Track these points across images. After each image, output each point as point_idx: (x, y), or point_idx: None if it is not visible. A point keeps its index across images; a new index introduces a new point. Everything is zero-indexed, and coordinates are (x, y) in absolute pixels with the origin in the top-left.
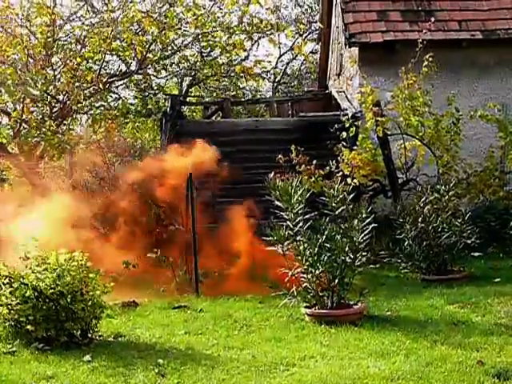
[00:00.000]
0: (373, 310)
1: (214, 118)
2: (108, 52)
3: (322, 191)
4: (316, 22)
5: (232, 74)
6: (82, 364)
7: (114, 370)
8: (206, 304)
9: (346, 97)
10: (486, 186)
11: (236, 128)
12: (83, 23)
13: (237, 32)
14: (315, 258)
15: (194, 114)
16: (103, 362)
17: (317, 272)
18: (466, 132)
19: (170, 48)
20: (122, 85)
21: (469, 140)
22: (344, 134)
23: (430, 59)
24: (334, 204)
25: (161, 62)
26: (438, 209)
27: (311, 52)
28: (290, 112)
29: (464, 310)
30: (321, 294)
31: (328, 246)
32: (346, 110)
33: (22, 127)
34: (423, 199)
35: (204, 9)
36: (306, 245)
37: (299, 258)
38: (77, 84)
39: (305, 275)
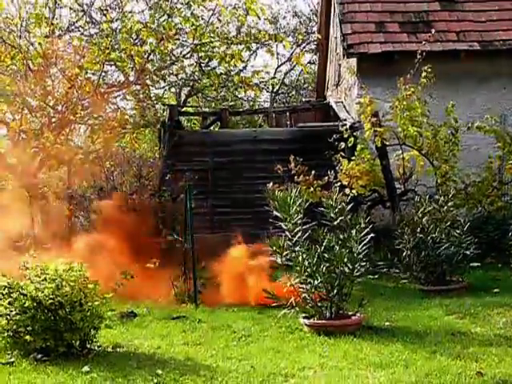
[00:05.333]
0: (371, 321)
1: (212, 128)
2: (106, 62)
3: (321, 201)
4: (314, 33)
5: (230, 85)
6: (80, 375)
7: (112, 380)
8: (205, 314)
9: (345, 107)
10: (485, 196)
11: (234, 138)
12: (82, 34)
13: (235, 42)
14: (314, 268)
15: (193, 124)
16: (102, 373)
17: (315, 282)
18: (464, 142)
19: (168, 58)
20: (120, 95)
21: (467, 150)
22: (342, 144)
23: (429, 70)
24: (332, 214)
25: (159, 73)
26: (437, 219)
27: (309, 62)
28: (288, 122)
29: (463, 320)
30: (319, 304)
31: (326, 256)
32: (345, 120)
33: (20, 137)
34: (421, 210)
35: (202, 19)
36: (304, 255)
37: (298, 268)
38: (75, 94)
39: (303, 286)
